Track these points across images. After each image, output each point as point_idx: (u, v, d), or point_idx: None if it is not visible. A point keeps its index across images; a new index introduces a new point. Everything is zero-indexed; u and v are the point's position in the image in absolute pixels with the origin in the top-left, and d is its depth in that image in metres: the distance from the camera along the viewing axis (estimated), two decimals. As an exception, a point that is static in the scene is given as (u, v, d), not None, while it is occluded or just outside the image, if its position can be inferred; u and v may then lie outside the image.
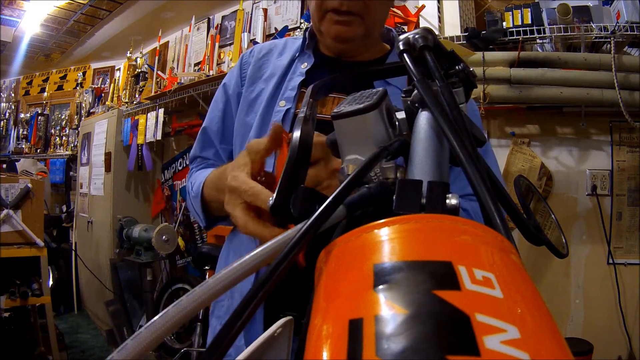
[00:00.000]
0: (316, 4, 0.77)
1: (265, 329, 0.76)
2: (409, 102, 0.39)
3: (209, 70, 2.98)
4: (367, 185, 0.33)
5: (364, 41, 0.81)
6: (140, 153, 3.46)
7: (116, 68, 4.66)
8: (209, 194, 0.76)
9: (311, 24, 0.86)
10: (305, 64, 0.85)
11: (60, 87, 5.22)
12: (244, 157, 0.57)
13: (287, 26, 2.72)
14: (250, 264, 0.28)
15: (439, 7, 2.13)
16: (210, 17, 3.38)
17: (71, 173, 4.74)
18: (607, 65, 1.78)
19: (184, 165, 3.43)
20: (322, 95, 0.51)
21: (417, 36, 0.39)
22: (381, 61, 0.86)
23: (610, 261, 1.92)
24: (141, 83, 3.69)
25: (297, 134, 0.37)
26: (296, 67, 0.86)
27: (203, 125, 0.94)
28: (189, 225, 3.31)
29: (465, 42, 1.96)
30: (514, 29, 1.92)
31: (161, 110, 3.22)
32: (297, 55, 0.88)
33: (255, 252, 0.29)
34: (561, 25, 1.86)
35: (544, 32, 1.90)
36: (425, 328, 0.17)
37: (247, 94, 0.89)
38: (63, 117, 5.01)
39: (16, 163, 3.99)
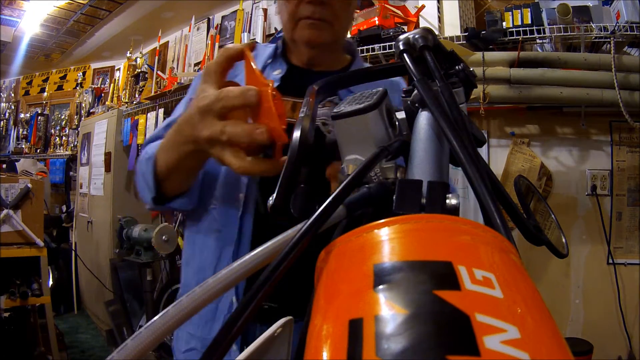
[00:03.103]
0: (289, 12, 0.81)
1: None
2: (409, 102, 0.39)
3: (208, 70, 2.98)
4: (367, 185, 0.33)
5: (332, 47, 0.86)
6: (140, 153, 3.46)
7: (116, 68, 4.66)
8: (163, 156, 0.67)
9: (283, 33, 0.88)
10: (279, 70, 0.87)
11: (60, 87, 5.21)
12: (203, 83, 0.57)
13: (287, 26, 2.71)
14: (250, 264, 0.28)
15: (439, 7, 2.13)
16: (210, 17, 3.38)
17: (71, 173, 4.74)
18: (607, 65, 1.78)
19: (184, 165, 3.42)
20: (321, 96, 0.51)
21: (417, 36, 0.39)
22: (346, 70, 0.90)
23: (610, 261, 1.92)
24: (141, 83, 3.69)
25: (297, 134, 0.37)
26: (268, 75, 0.88)
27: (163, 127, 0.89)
28: (189, 225, 3.30)
29: (465, 42, 1.96)
30: (513, 29, 1.92)
31: (161, 110, 3.22)
32: (268, 62, 0.90)
33: (255, 252, 0.29)
34: (561, 25, 1.86)
35: (544, 32, 1.90)
36: (425, 328, 0.17)
37: None
38: (63, 117, 5.01)
39: (16, 163, 4.00)
